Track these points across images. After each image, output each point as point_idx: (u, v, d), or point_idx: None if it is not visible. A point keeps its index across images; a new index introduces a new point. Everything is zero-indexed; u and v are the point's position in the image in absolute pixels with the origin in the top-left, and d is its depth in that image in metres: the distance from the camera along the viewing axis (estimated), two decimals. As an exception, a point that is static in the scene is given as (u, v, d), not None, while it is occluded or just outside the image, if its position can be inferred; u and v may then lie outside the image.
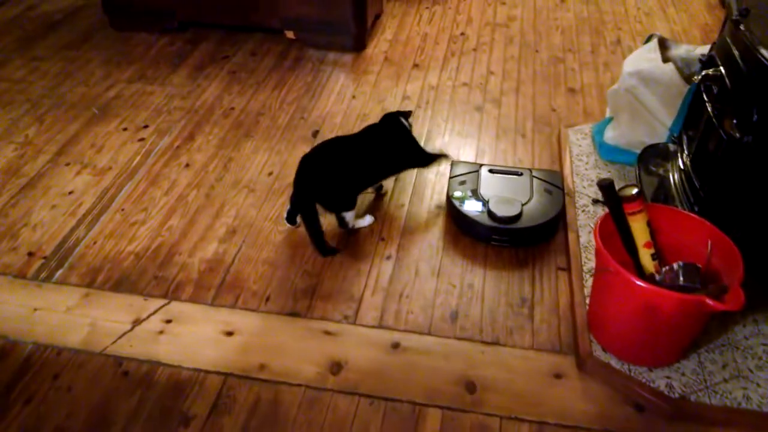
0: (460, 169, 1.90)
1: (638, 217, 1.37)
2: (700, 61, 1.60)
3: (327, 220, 1.77)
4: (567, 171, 1.98)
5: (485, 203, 1.75)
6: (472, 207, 1.76)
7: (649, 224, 1.38)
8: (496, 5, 3.10)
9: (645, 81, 1.85)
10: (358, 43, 2.69)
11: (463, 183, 1.84)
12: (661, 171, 1.69)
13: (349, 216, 1.76)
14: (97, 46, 2.74)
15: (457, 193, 1.80)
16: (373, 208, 1.88)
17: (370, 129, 1.88)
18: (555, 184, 1.83)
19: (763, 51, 1.25)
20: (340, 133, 2.18)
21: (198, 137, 2.18)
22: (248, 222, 1.83)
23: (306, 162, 1.74)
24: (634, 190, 1.36)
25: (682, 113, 1.79)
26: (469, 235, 1.78)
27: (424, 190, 1.96)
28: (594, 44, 2.78)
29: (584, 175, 1.96)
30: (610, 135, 2.00)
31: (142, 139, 2.17)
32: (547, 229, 1.75)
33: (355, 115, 2.30)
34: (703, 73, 1.46)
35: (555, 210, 1.75)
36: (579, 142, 2.11)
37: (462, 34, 2.86)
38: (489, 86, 2.49)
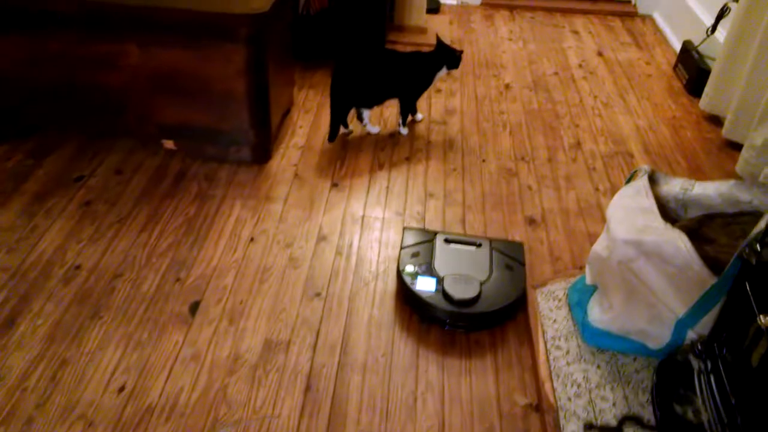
0: (412, 238, 1.73)
1: None
2: (742, 257, 1.09)
3: None
4: (543, 372, 1.44)
5: (440, 281, 1.58)
6: (425, 285, 1.58)
7: None
8: (431, 93, 2.58)
9: (647, 255, 1.34)
10: (260, 155, 2.10)
11: (415, 255, 1.67)
12: (689, 412, 1.17)
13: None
14: None
15: (409, 268, 1.62)
16: None
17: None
18: (516, 259, 1.67)
19: None
20: (229, 305, 1.57)
21: (21, 322, 1.51)
22: (76, 496, 1.19)
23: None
24: None
25: (705, 309, 1.29)
26: (421, 316, 1.59)
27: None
28: (550, 148, 2.29)
29: (568, 376, 1.42)
30: (597, 317, 1.48)
31: (-67, 331, 1.48)
32: (507, 313, 1.59)
33: (254, 270, 1.70)
34: (776, 313, 0.94)
35: (517, 291, 1.59)
36: (552, 314, 1.58)
37: (392, 135, 2.31)
38: (428, 215, 1.94)
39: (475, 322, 1.56)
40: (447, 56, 2.21)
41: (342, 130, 2.26)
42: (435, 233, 1.73)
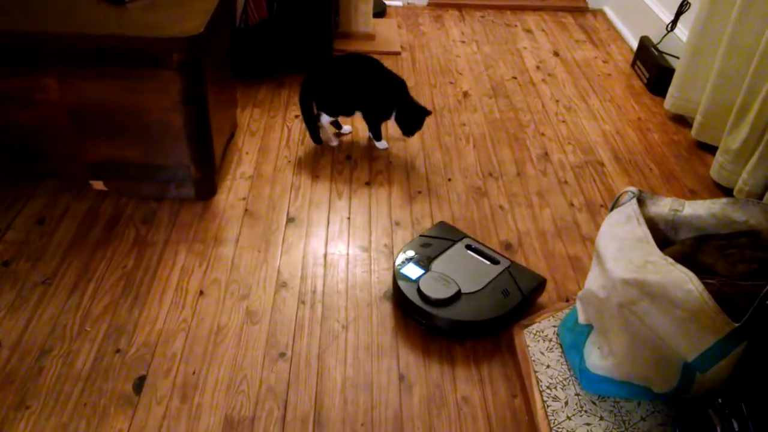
0: (438, 231, 1.72)
1: None
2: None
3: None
4: (543, 429, 1.29)
5: (423, 274, 1.56)
6: (408, 272, 1.57)
7: None
8: (386, 106, 2.40)
9: (652, 297, 1.21)
10: (204, 191, 1.88)
11: (426, 246, 1.66)
12: (720, 484, 1.04)
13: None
14: None
15: (408, 253, 1.62)
16: None
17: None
18: (522, 289, 1.56)
19: None
20: (180, 377, 1.36)
21: (-71, 422, 1.27)
22: None
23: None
24: None
25: (719, 355, 1.16)
26: (398, 304, 1.58)
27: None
28: (518, 162, 2.15)
29: (569, 434, 1.28)
30: (596, 362, 1.34)
31: None
32: (471, 330, 1.51)
33: (206, 330, 1.50)
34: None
35: (494, 313, 1.49)
36: (545, 359, 1.44)
37: (348, 157, 2.13)
38: (396, 248, 1.77)
39: (433, 326, 1.51)
40: (413, 115, 2.05)
41: (335, 130, 2.18)
42: (464, 236, 1.70)
